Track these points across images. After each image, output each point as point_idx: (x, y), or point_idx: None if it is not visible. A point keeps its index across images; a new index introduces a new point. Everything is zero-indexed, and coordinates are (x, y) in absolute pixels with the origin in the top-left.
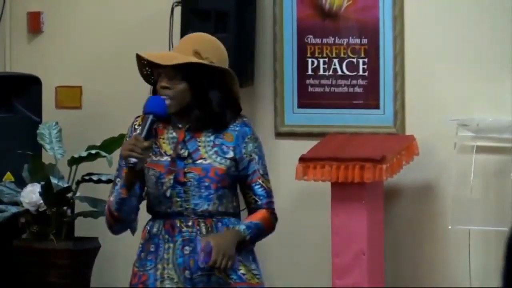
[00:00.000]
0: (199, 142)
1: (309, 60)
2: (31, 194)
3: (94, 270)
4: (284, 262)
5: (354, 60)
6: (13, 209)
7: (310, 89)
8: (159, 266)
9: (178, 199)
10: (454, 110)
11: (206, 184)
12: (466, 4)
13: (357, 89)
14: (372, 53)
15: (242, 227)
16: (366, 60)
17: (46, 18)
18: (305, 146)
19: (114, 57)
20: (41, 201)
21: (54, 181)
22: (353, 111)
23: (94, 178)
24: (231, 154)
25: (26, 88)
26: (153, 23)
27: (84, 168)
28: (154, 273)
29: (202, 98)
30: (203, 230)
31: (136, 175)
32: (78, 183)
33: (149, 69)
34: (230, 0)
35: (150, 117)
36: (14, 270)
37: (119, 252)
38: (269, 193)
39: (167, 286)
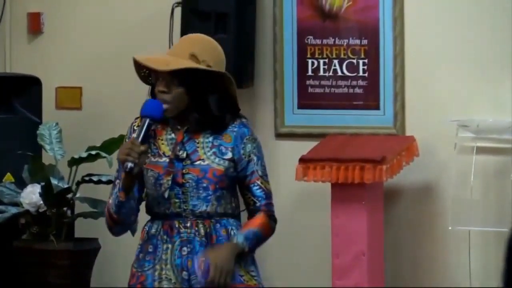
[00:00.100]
0: (198, 143)
1: (309, 61)
2: (31, 195)
3: (94, 270)
4: (284, 262)
5: (354, 61)
6: (13, 210)
7: (310, 90)
8: (157, 267)
9: (177, 200)
10: (454, 111)
11: (204, 185)
12: (466, 4)
13: (357, 90)
14: (372, 54)
15: (240, 239)
16: (366, 61)
17: (46, 19)
18: (305, 147)
19: (114, 58)
20: (41, 202)
21: (54, 182)
22: (353, 112)
23: (94, 179)
24: (229, 155)
25: (26, 88)
26: (153, 24)
27: (84, 168)
28: (152, 274)
29: (200, 102)
30: (202, 231)
31: (134, 179)
32: (78, 183)
33: (146, 71)
34: (230, 1)
35: (147, 120)
36: (14, 271)
37: (119, 253)
38: (267, 195)
39: (165, 286)
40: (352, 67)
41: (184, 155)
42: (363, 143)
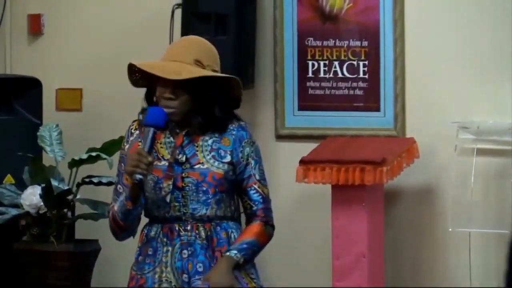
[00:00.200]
0: (197, 146)
1: (310, 63)
2: (32, 196)
3: (94, 272)
4: (285, 263)
5: (355, 62)
6: (14, 211)
7: (310, 91)
8: (158, 269)
9: (176, 204)
10: (454, 113)
11: (204, 188)
12: (466, 6)
13: (358, 92)
14: (373, 55)
15: (233, 252)
16: (366, 62)
17: (47, 20)
18: (306, 148)
19: (115, 59)
20: (42, 203)
21: (54, 183)
22: (354, 114)
23: (95, 180)
24: (228, 158)
25: (27, 90)
26: (153, 25)
27: (85, 170)
28: (152, 276)
29: (205, 106)
30: (202, 234)
31: (141, 188)
32: (78, 185)
33: (138, 75)
34: (230, 2)
35: (151, 130)
36: (14, 272)
37: (119, 255)
38: (265, 199)
39: None
40: (353, 69)
41: (184, 159)
42: (364, 144)
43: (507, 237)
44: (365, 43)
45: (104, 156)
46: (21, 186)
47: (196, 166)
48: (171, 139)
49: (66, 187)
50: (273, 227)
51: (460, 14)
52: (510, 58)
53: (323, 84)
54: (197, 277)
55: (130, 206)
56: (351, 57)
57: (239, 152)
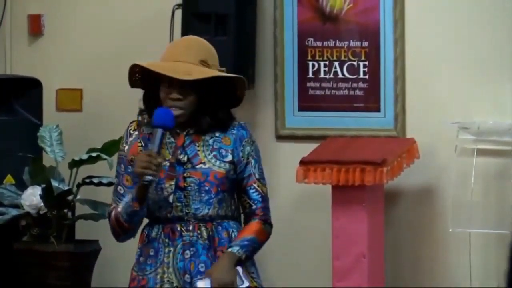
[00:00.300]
0: (198, 146)
1: (310, 63)
2: (32, 197)
3: (95, 272)
4: (285, 264)
5: (355, 63)
6: (14, 212)
7: (310, 92)
8: (159, 270)
9: (179, 204)
10: (454, 113)
11: (207, 188)
12: (466, 6)
13: (358, 92)
14: (373, 56)
15: (235, 248)
16: (366, 63)
17: (47, 21)
18: (306, 149)
19: (115, 60)
20: (42, 204)
21: (54, 183)
22: (354, 114)
23: (95, 180)
24: (229, 158)
25: (27, 90)
26: (153, 25)
27: (85, 170)
28: (154, 277)
29: (211, 106)
30: (204, 234)
31: (149, 189)
32: (78, 185)
33: (138, 75)
34: (230, 3)
35: (160, 131)
36: (14, 273)
37: (119, 255)
38: (264, 198)
39: None
40: (353, 69)
41: (186, 159)
42: (364, 145)
43: (507, 237)
44: (365, 44)
45: (104, 156)
46: (21, 186)
47: (198, 166)
48: (172, 139)
49: (66, 188)
50: (271, 225)
51: (460, 14)
52: (510, 58)
53: (323, 84)
54: (199, 277)
55: (137, 207)
56: (351, 58)
57: (240, 151)
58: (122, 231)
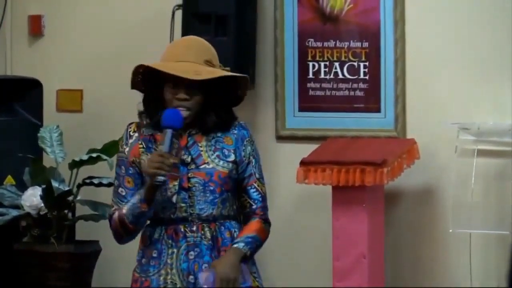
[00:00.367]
0: (201, 147)
1: (310, 64)
2: (32, 198)
3: (95, 273)
4: (285, 263)
5: (355, 63)
6: (14, 212)
7: (311, 92)
8: (163, 272)
9: (183, 205)
10: (455, 114)
11: (211, 188)
12: (466, 7)
13: (358, 93)
14: (373, 56)
15: (241, 244)
16: (367, 63)
17: (47, 21)
18: (306, 149)
19: (115, 60)
20: (42, 205)
21: (55, 184)
22: (354, 115)
23: (95, 181)
24: (232, 157)
25: (27, 91)
26: (153, 25)
27: (85, 171)
28: (157, 279)
29: (216, 106)
30: (208, 234)
31: (158, 190)
32: (79, 186)
33: (140, 76)
34: (230, 3)
35: (170, 131)
36: (15, 273)
37: (119, 256)
38: (263, 197)
39: None
40: (353, 70)
41: (189, 159)
42: (364, 145)
43: (507, 238)
44: (366, 44)
45: (104, 157)
46: (22, 187)
47: (202, 166)
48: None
49: (66, 188)
50: (270, 224)
51: (460, 15)
52: (510, 58)
53: (323, 85)
54: (203, 268)
55: (146, 208)
56: (351, 58)
57: (242, 151)
58: (125, 233)
